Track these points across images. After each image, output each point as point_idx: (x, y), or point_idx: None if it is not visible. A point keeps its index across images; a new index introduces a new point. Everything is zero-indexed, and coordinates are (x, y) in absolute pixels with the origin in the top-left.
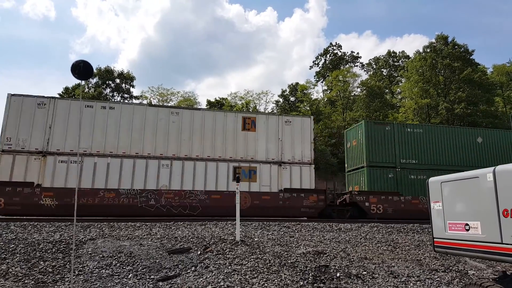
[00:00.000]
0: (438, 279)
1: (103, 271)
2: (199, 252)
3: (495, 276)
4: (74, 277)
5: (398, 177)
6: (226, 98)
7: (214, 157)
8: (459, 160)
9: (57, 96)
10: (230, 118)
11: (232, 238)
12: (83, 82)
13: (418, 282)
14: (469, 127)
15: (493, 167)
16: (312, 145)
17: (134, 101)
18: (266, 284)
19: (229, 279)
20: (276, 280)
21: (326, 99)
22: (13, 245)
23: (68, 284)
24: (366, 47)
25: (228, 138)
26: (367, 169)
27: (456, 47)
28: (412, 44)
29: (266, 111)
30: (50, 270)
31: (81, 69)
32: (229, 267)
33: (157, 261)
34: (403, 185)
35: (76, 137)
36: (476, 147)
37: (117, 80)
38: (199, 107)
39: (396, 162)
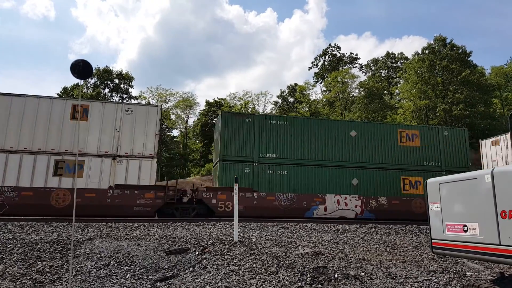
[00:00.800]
0: (436, 280)
1: (101, 271)
2: (197, 253)
3: (493, 278)
4: (72, 277)
5: (255, 172)
6: (225, 99)
7: (32, 149)
8: (329, 154)
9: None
10: (57, 106)
11: (230, 238)
12: (82, 82)
13: (416, 284)
14: (343, 120)
15: (492, 168)
16: (156, 137)
17: (133, 101)
18: (264, 285)
19: (227, 279)
20: (274, 281)
21: (325, 100)
22: (10, 245)
23: (66, 284)
24: (365, 48)
25: (52, 128)
26: (220, 163)
27: (454, 48)
28: (411, 45)
29: (265, 112)
30: (48, 270)
31: (80, 68)
32: (227, 267)
33: (155, 261)
34: (260, 181)
35: None
36: (349, 140)
37: (116, 80)
38: (21, 93)
39: (255, 156)
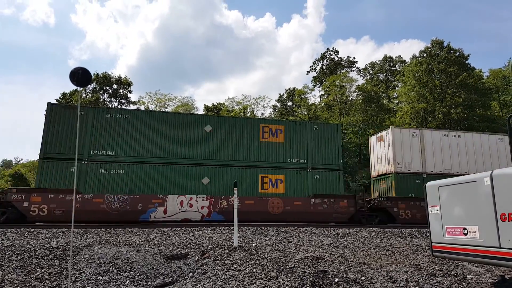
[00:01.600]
0: (436, 284)
1: (100, 277)
2: (196, 258)
3: (494, 281)
4: (71, 283)
5: (84, 171)
6: (224, 103)
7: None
8: (178, 151)
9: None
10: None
11: (230, 243)
12: (81, 89)
13: (416, 287)
14: (197, 114)
15: (490, 171)
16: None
17: (132, 106)
18: None
19: (227, 285)
20: (274, 286)
21: (323, 103)
22: (9, 252)
23: None
24: (364, 52)
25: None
26: (40, 162)
27: (451, 51)
28: (409, 49)
29: (264, 116)
30: (47, 277)
31: (79, 76)
32: (227, 273)
33: (155, 267)
34: (89, 181)
35: None
36: (203, 136)
37: (115, 86)
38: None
39: (84, 154)
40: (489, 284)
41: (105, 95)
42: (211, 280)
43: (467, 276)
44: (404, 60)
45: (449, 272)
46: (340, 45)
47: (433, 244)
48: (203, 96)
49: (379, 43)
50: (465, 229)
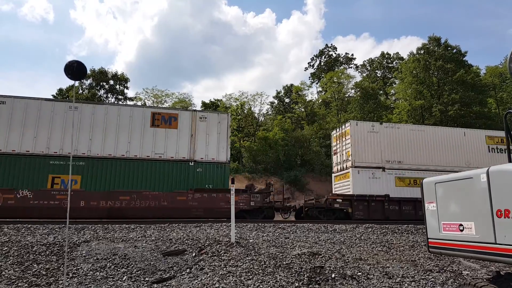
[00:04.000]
0: (432, 279)
1: (97, 273)
2: (194, 254)
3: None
4: (68, 279)
5: None
6: (221, 100)
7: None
8: None
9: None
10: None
11: (227, 239)
12: (76, 83)
13: (413, 283)
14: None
15: (487, 168)
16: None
17: (129, 102)
18: (261, 286)
19: (224, 280)
20: (271, 282)
21: (320, 100)
22: (6, 248)
23: (62, 287)
24: (363, 49)
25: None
26: None
27: (448, 48)
28: (409, 46)
29: (261, 112)
30: (44, 272)
31: (74, 69)
32: (224, 268)
33: (152, 263)
34: None
35: None
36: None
37: (111, 82)
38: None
39: None
40: (485, 280)
41: (102, 91)
42: (208, 275)
43: (463, 271)
44: (402, 57)
45: (445, 268)
46: (340, 42)
47: (429, 240)
48: (201, 93)
49: (378, 40)
50: (461, 225)
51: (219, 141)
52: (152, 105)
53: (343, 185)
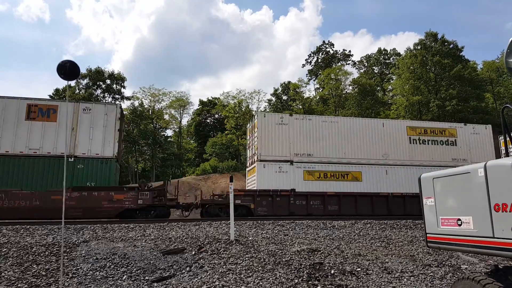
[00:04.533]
0: (431, 274)
1: (97, 273)
2: (193, 252)
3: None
4: (68, 279)
5: None
6: (219, 98)
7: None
8: None
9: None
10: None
11: (227, 237)
12: (69, 83)
13: (411, 278)
14: None
15: (484, 162)
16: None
17: (126, 101)
18: (261, 283)
19: (224, 278)
20: (271, 279)
21: (318, 97)
22: (5, 249)
23: (62, 287)
24: (361, 45)
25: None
26: None
27: (445, 44)
28: (406, 41)
29: (259, 110)
30: (44, 273)
31: (67, 69)
32: (224, 266)
33: (152, 262)
34: None
35: None
36: None
37: (108, 81)
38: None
39: None
40: (483, 274)
41: (99, 91)
42: (208, 273)
43: (462, 266)
44: (399, 53)
45: (443, 262)
46: (337, 38)
47: (427, 235)
48: (199, 91)
49: (376, 36)
50: (459, 219)
51: (105, 135)
52: (149, 104)
53: (251, 180)
